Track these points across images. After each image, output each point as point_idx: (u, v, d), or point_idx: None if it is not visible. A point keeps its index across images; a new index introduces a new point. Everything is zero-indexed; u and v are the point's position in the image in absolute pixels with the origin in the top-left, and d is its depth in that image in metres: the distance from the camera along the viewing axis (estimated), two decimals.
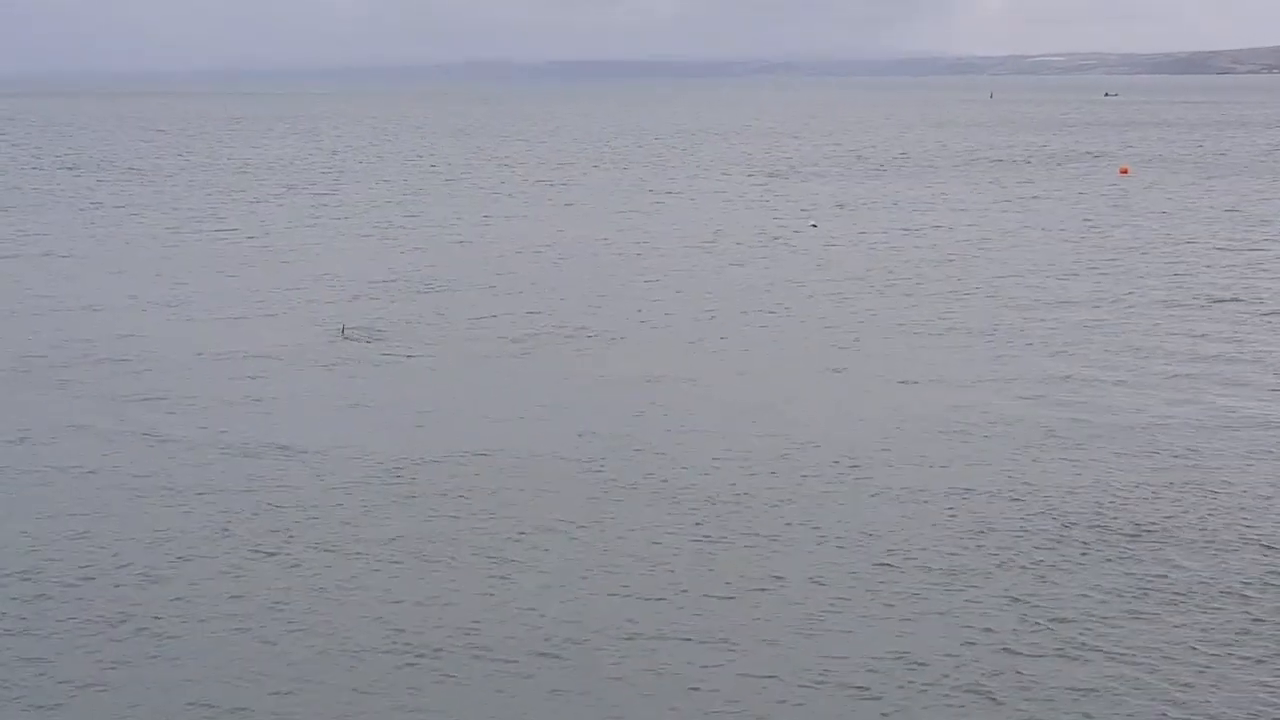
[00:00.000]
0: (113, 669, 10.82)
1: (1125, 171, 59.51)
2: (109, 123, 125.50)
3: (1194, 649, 11.01)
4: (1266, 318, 24.98)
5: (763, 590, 12.23)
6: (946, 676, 10.56)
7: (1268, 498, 14.71)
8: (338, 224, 41.12)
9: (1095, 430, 17.29)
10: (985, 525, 13.83)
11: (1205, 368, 20.87)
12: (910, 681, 10.49)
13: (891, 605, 11.88)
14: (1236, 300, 26.74)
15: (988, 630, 11.36)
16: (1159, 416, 17.98)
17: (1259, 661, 10.79)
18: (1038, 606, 11.82)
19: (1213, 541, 13.40)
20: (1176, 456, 16.22)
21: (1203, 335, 23.35)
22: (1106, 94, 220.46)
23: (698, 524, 13.94)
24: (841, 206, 45.49)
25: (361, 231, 39.12)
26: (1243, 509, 14.35)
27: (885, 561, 12.88)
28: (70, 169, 64.32)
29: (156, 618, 11.69)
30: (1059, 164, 65.62)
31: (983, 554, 13.05)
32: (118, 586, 12.39)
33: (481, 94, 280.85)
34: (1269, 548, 13.22)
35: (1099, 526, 13.78)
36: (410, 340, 23.17)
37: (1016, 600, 11.96)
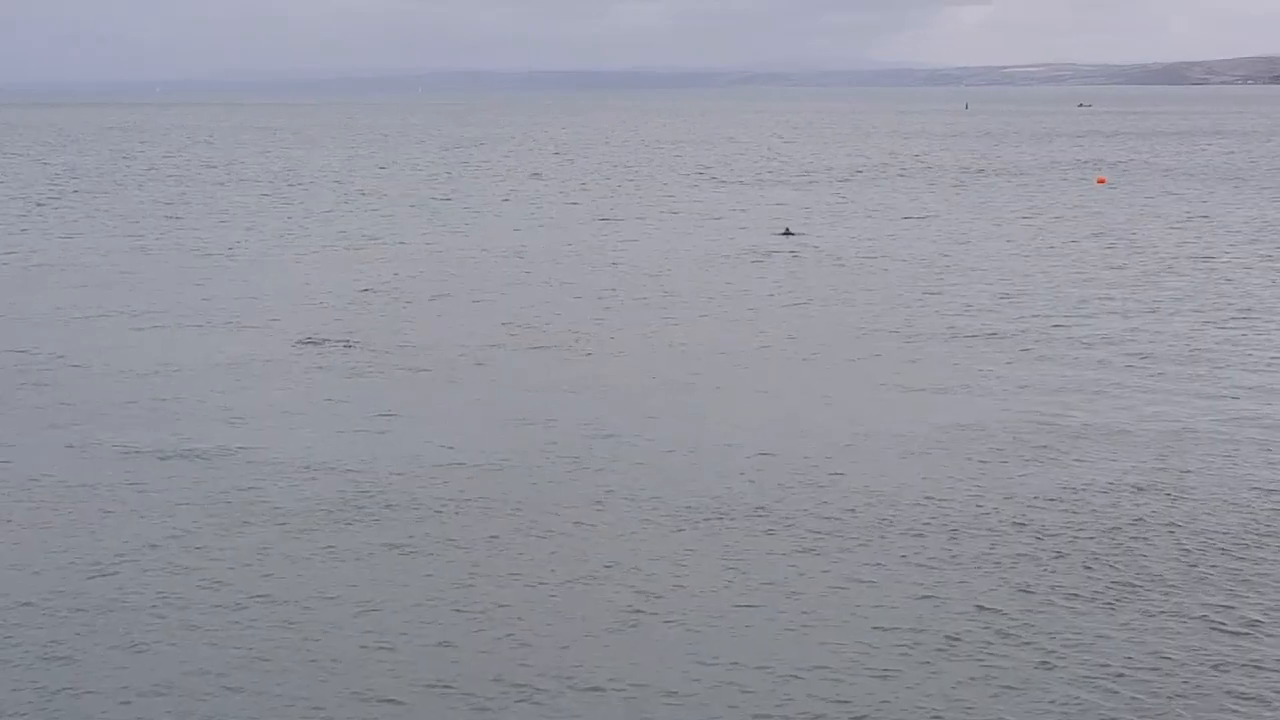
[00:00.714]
0: (61, 682, 10.60)
1: (1103, 181, 59.66)
2: (90, 134, 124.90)
3: (1163, 668, 10.97)
4: (1235, 321, 25.03)
5: (734, 602, 12.13)
6: (916, 687, 10.48)
7: (1234, 503, 14.69)
8: (309, 235, 40.85)
9: (1070, 435, 17.29)
10: (956, 533, 13.79)
11: (1178, 370, 20.86)
12: (881, 693, 10.42)
13: (861, 616, 11.82)
14: (1202, 310, 26.77)
15: (956, 641, 11.28)
16: (1131, 422, 17.97)
17: (1224, 673, 10.77)
18: (1010, 618, 11.76)
19: (1186, 551, 13.37)
20: (1148, 461, 16.21)
21: (1175, 339, 23.35)
22: (1080, 105, 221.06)
23: (669, 534, 13.86)
24: (815, 215, 45.41)
25: (332, 242, 38.87)
26: (1213, 515, 14.33)
27: (856, 574, 12.82)
28: (46, 180, 63.91)
29: (123, 624, 11.55)
30: (1036, 174, 65.72)
31: (954, 563, 12.99)
32: (76, 592, 12.22)
33: (470, 103, 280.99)
34: (1239, 558, 13.22)
35: (1072, 535, 13.74)
36: (379, 349, 22.95)
37: (988, 610, 11.90)
